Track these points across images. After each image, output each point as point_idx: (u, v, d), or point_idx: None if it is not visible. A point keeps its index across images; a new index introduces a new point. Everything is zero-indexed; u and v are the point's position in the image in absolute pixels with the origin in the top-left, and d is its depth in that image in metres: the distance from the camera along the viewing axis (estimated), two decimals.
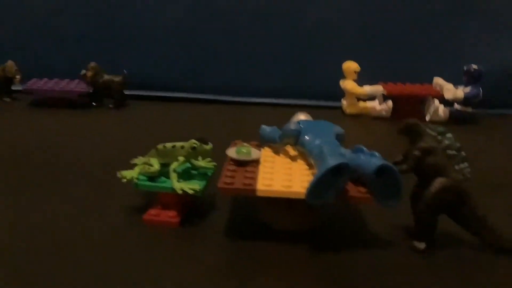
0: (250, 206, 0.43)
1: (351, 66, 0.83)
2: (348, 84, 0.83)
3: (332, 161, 0.35)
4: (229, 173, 0.39)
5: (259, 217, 0.41)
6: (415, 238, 0.39)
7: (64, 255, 0.36)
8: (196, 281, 0.34)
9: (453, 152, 0.37)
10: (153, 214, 0.42)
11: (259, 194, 0.37)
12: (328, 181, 0.35)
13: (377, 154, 0.37)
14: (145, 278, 0.34)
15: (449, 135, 0.38)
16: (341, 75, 0.84)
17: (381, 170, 0.36)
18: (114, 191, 0.46)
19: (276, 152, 0.45)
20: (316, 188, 0.35)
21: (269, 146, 0.46)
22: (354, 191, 0.37)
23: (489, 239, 0.38)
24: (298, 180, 0.38)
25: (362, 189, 0.37)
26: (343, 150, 0.39)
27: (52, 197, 0.46)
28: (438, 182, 0.37)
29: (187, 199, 0.42)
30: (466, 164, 0.38)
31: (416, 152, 0.38)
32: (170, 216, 0.42)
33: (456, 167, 0.37)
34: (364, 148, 0.38)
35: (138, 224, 0.41)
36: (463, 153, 0.38)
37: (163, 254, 0.37)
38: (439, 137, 0.38)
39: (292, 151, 0.45)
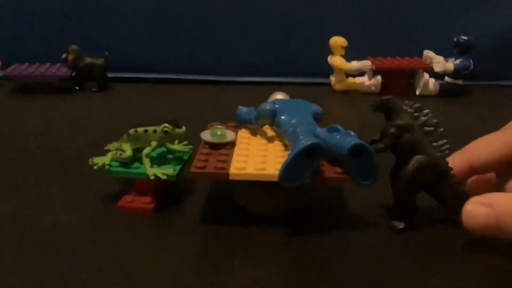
0: (227, 189, 0.42)
1: (338, 41, 0.81)
2: (336, 60, 0.82)
3: (304, 142, 0.34)
4: (202, 157, 0.38)
5: (236, 201, 0.40)
6: (395, 218, 0.38)
7: (35, 245, 0.35)
8: (170, 268, 0.33)
9: (431, 128, 0.36)
10: (128, 200, 0.41)
11: (232, 177, 0.36)
12: (302, 162, 0.34)
13: (352, 133, 0.36)
14: (119, 266, 0.33)
15: (426, 111, 0.37)
16: (329, 51, 0.82)
17: (355, 150, 0.34)
18: (91, 178, 0.44)
19: (253, 133, 0.44)
20: (288, 169, 0.34)
21: (247, 128, 0.45)
22: (330, 171, 0.36)
23: None
24: (273, 162, 0.37)
25: (338, 169, 0.36)
26: (318, 129, 0.38)
27: (26, 184, 0.45)
28: (415, 160, 0.36)
29: (163, 184, 0.41)
30: (444, 141, 0.36)
31: (392, 130, 0.36)
32: (145, 202, 0.41)
33: (434, 143, 0.36)
34: (340, 127, 0.37)
35: (112, 211, 0.40)
36: (441, 129, 0.37)
37: (137, 242, 0.36)
38: (416, 114, 0.37)
39: (269, 132, 0.44)
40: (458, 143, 0.38)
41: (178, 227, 0.38)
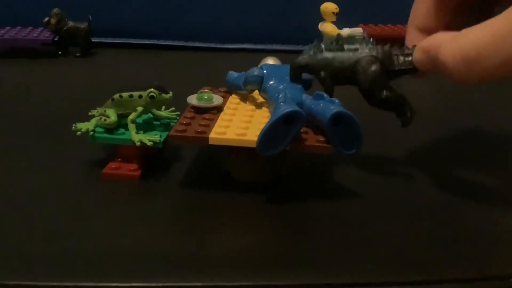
0: (215, 156, 0.42)
1: (329, 7, 0.78)
2: (327, 27, 0.80)
3: (283, 109, 0.33)
4: (184, 121, 0.37)
5: (222, 167, 0.39)
6: (400, 119, 0.38)
7: (16, 211, 0.34)
8: (156, 234, 0.32)
9: (337, 46, 0.38)
10: (113, 167, 0.40)
11: (211, 142, 0.35)
12: (281, 130, 0.33)
13: (336, 101, 0.35)
14: (102, 231, 0.32)
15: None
16: (320, 18, 0.81)
17: (338, 118, 0.33)
18: (74, 144, 0.43)
19: (244, 99, 0.43)
20: (266, 137, 0.33)
21: (238, 93, 0.44)
22: (312, 139, 0.35)
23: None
24: (255, 129, 0.36)
25: (321, 138, 0.35)
26: (304, 96, 0.37)
27: (6, 148, 0.44)
28: (359, 64, 0.37)
29: (149, 151, 0.40)
30: (366, 39, 0.38)
31: (322, 74, 0.38)
32: (130, 169, 0.40)
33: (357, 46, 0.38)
34: (325, 95, 0.36)
35: (97, 178, 0.39)
36: (351, 37, 0.39)
37: (121, 208, 0.36)
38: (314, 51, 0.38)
39: (260, 98, 0.43)
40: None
41: (164, 194, 0.38)
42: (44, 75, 0.69)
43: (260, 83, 0.40)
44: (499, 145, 0.49)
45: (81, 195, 0.37)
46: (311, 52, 0.39)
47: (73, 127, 0.40)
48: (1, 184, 0.38)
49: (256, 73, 0.40)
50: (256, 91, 0.42)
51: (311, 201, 0.37)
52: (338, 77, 0.38)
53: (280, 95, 0.36)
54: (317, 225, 0.34)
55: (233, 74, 0.44)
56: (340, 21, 0.80)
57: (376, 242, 0.32)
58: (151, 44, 0.85)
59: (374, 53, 0.37)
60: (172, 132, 0.36)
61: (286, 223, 0.34)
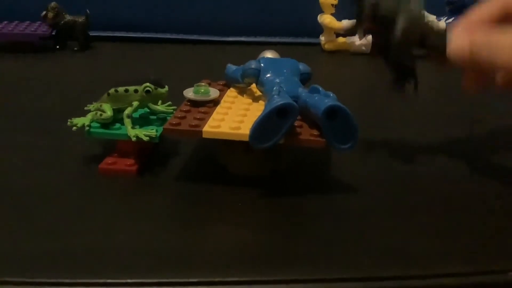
0: (211, 150, 0.41)
1: None
2: (326, 19, 0.80)
3: (275, 102, 0.32)
4: (180, 114, 0.37)
5: (218, 161, 0.39)
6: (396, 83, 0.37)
7: (12, 208, 0.34)
8: (151, 230, 0.32)
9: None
10: (109, 162, 0.40)
11: (204, 136, 0.35)
12: (274, 123, 0.33)
13: (331, 94, 0.35)
14: (98, 227, 0.32)
15: None
16: (319, 10, 0.80)
17: (332, 112, 0.33)
18: (70, 140, 0.43)
19: (241, 92, 0.43)
20: (259, 129, 0.32)
21: (235, 87, 0.44)
22: (306, 133, 0.35)
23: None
24: (250, 122, 0.35)
25: (315, 132, 0.35)
26: (300, 89, 0.37)
27: (2, 146, 0.44)
28: (400, 21, 0.35)
29: (145, 146, 0.40)
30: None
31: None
32: (127, 164, 0.39)
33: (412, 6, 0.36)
34: (320, 88, 0.36)
35: (93, 173, 0.39)
36: None
37: (118, 204, 0.35)
38: None
39: (257, 91, 0.42)
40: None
41: (160, 188, 0.37)
42: (42, 69, 0.69)
43: (257, 76, 0.39)
44: (499, 140, 0.49)
45: (77, 190, 0.37)
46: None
47: (68, 122, 0.40)
48: None
49: (253, 66, 0.40)
50: (254, 85, 0.41)
51: (307, 195, 0.36)
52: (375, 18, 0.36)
53: (275, 88, 0.36)
54: (314, 220, 0.34)
55: (231, 67, 0.44)
56: (339, 13, 0.80)
57: (373, 236, 0.32)
58: (149, 37, 0.85)
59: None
60: (166, 126, 0.36)
61: (283, 217, 0.34)
